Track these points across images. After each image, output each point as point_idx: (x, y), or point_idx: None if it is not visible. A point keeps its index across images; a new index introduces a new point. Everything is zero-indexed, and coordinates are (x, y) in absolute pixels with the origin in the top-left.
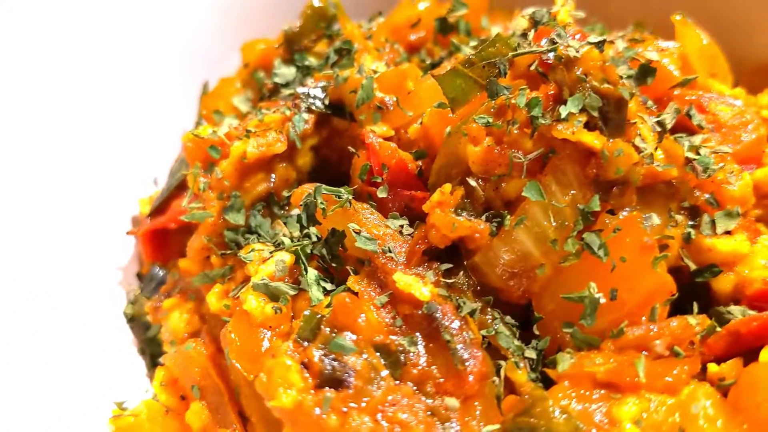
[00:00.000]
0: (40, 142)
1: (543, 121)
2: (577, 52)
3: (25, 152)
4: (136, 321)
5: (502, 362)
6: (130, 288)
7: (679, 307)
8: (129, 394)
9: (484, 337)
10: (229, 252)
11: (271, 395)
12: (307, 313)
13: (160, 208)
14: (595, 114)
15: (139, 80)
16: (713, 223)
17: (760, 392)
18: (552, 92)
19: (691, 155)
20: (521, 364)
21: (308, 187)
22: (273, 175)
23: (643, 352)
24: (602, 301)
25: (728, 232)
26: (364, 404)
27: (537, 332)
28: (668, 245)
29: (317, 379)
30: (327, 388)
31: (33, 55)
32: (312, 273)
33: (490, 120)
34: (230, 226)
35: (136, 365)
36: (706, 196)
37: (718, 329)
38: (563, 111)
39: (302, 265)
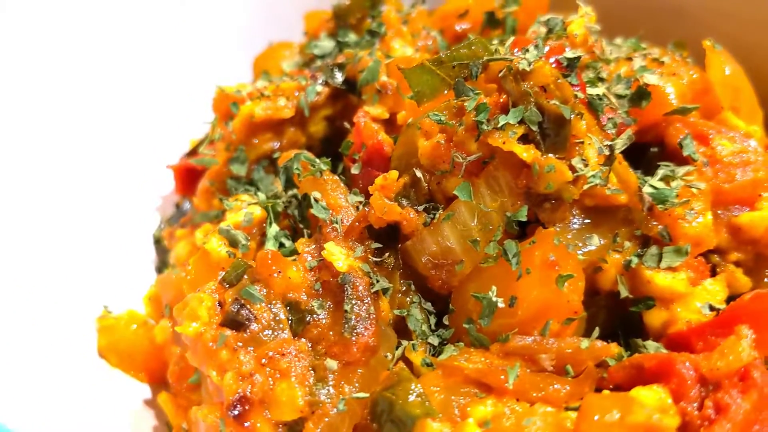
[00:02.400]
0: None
1: (485, 127)
2: (529, 65)
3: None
4: (160, 244)
5: (405, 342)
6: (164, 215)
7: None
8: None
9: (398, 316)
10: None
11: (180, 322)
12: (237, 259)
13: (195, 149)
14: (534, 128)
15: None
16: (660, 256)
17: (585, 421)
18: (502, 101)
19: (658, 185)
20: (420, 348)
21: (294, 152)
22: (282, 137)
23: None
24: (500, 305)
25: (673, 269)
26: (253, 347)
27: (446, 323)
28: (601, 268)
29: (222, 319)
30: (227, 328)
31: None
32: (274, 228)
33: (443, 118)
34: (233, 176)
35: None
36: (660, 228)
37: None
38: (502, 120)
39: (269, 220)
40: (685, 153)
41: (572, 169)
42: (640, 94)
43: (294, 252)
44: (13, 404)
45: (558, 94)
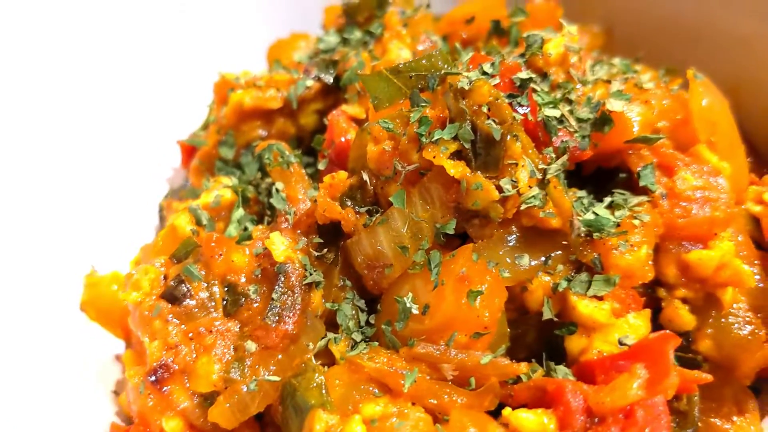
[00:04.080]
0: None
1: (424, 140)
2: (469, 84)
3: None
4: (163, 213)
5: (330, 334)
6: (172, 187)
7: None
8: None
9: (330, 309)
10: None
11: (124, 289)
12: (188, 238)
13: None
14: (467, 146)
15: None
16: (589, 283)
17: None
18: (442, 116)
19: (601, 212)
20: (342, 342)
21: (269, 142)
22: (271, 126)
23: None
24: (414, 311)
25: (599, 298)
26: (184, 321)
27: (371, 321)
28: (527, 288)
29: (162, 291)
30: (165, 300)
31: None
32: (239, 212)
33: (391, 126)
34: (221, 158)
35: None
36: (594, 256)
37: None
38: (436, 135)
39: (237, 204)
40: (641, 183)
41: (500, 189)
42: (603, 120)
43: (251, 237)
44: None
45: (498, 115)
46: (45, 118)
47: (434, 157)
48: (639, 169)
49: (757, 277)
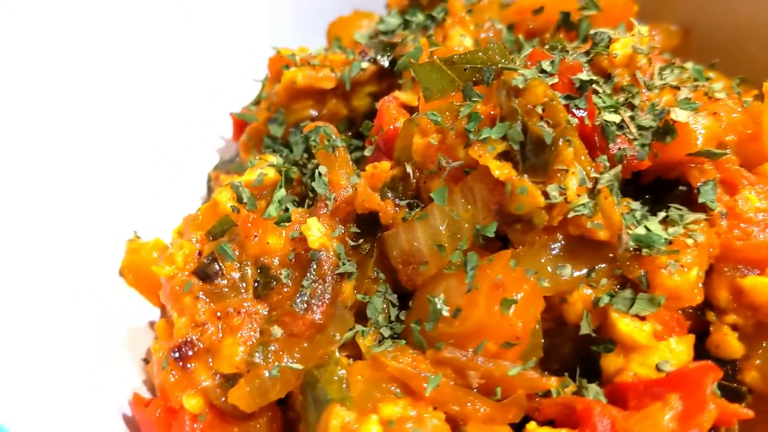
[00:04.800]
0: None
1: (472, 137)
2: (523, 82)
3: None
4: (210, 184)
5: (359, 327)
6: (223, 158)
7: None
8: None
9: (361, 301)
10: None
11: (157, 263)
12: (225, 216)
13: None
14: (516, 147)
15: None
16: (633, 301)
17: None
18: (494, 114)
19: (653, 228)
20: (369, 336)
21: (317, 124)
22: (323, 106)
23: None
24: (445, 313)
25: (641, 318)
26: (214, 300)
27: (402, 318)
28: (566, 299)
29: (194, 267)
30: (197, 277)
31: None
32: (281, 192)
33: (439, 119)
34: (270, 135)
35: None
36: (641, 273)
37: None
38: (485, 133)
39: (280, 184)
40: (701, 199)
41: (546, 195)
42: (666, 130)
43: (290, 219)
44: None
45: (553, 117)
46: (107, 85)
47: (480, 156)
48: (699, 184)
49: None
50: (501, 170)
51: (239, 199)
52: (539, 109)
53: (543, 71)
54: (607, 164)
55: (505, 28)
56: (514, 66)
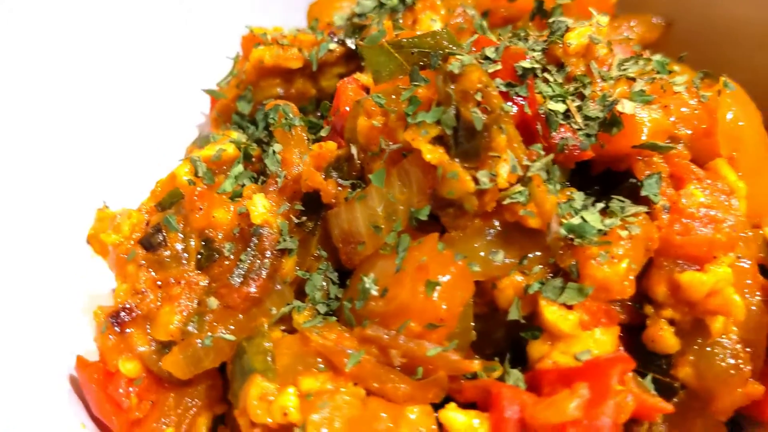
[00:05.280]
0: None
1: (410, 120)
2: (459, 68)
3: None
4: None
5: (298, 302)
6: (201, 134)
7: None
8: None
9: (301, 278)
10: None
11: (107, 232)
12: (176, 188)
13: None
14: (449, 132)
15: None
16: (562, 290)
17: (363, 421)
18: (435, 98)
19: (589, 218)
20: (305, 312)
21: (276, 102)
22: (290, 86)
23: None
24: (373, 293)
25: (569, 307)
26: (156, 269)
27: (338, 296)
28: (495, 285)
29: (140, 237)
30: (141, 246)
31: (35, 54)
32: (238, 168)
33: (383, 102)
34: (238, 112)
35: None
36: (573, 262)
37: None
38: (420, 117)
39: (239, 160)
40: (643, 192)
41: (476, 181)
42: (612, 121)
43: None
44: None
45: (487, 103)
46: (88, 59)
47: (413, 139)
48: (644, 177)
49: (754, 308)
50: (432, 154)
51: (197, 173)
52: (479, 96)
53: (486, 58)
54: (542, 153)
55: (477, 14)
56: (460, 52)
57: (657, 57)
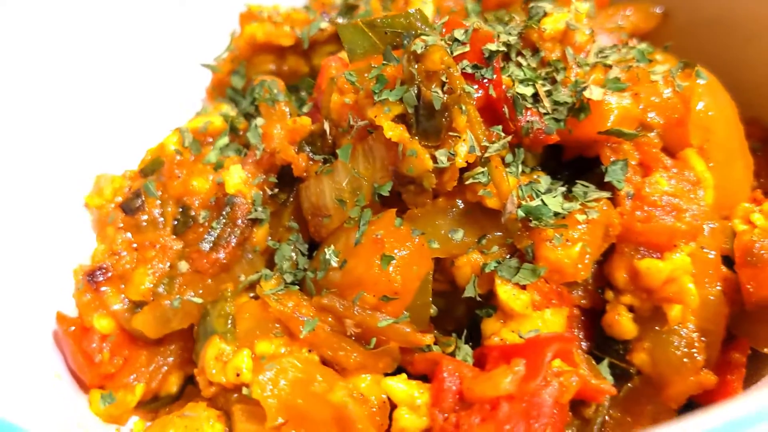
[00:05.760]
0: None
1: (376, 98)
2: (423, 48)
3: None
4: None
5: (267, 271)
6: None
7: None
8: None
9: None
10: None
11: (91, 195)
12: (157, 156)
13: None
14: (410, 110)
15: None
16: (517, 270)
17: (299, 385)
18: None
19: (548, 201)
20: (272, 280)
21: (263, 77)
22: (283, 63)
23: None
24: (333, 264)
25: (522, 287)
26: (133, 232)
27: (306, 267)
28: (453, 262)
29: (121, 201)
30: (121, 210)
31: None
32: (224, 140)
33: (354, 79)
34: (232, 86)
35: None
36: (529, 243)
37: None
38: (384, 95)
39: (225, 132)
40: (607, 178)
41: (435, 159)
42: (580, 108)
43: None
44: None
45: (450, 83)
46: (97, 33)
47: (376, 116)
48: (609, 163)
49: (713, 298)
50: (394, 131)
51: (184, 143)
52: (444, 77)
53: (456, 40)
54: (502, 134)
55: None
56: (430, 33)
57: (642, 46)
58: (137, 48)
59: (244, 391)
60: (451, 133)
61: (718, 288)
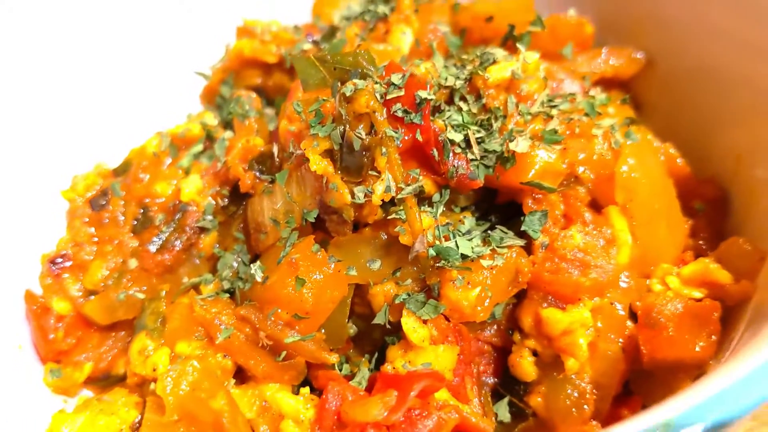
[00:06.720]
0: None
1: (310, 131)
2: (351, 91)
3: None
4: None
5: (209, 276)
6: None
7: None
8: None
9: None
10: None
11: (67, 189)
12: (129, 158)
13: None
14: (336, 147)
15: None
16: (423, 305)
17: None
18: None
19: (461, 243)
20: (210, 285)
21: (242, 93)
22: (269, 78)
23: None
24: (257, 279)
25: (423, 321)
26: (96, 227)
27: (243, 276)
28: (367, 289)
29: (90, 197)
30: (89, 206)
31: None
32: (198, 147)
33: (300, 109)
34: (221, 95)
35: None
36: (437, 281)
37: None
38: (315, 129)
39: (201, 139)
40: (522, 227)
41: (351, 194)
42: (506, 157)
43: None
44: None
45: (375, 125)
46: (108, 34)
47: (305, 149)
48: (528, 213)
49: (610, 353)
50: (318, 165)
51: (162, 146)
52: (381, 116)
53: (392, 84)
54: (420, 178)
55: (449, 32)
56: (373, 73)
57: (601, 96)
58: (143, 51)
59: (151, 386)
60: (371, 172)
61: (620, 343)
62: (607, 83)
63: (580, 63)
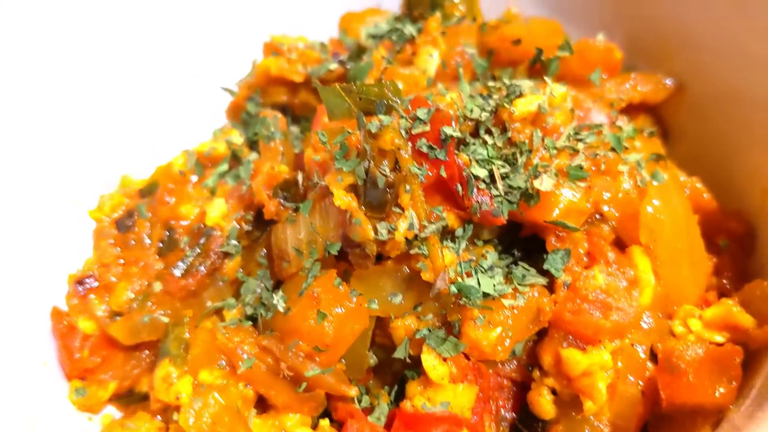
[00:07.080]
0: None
1: (335, 165)
2: (377, 128)
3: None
4: None
5: (233, 301)
6: None
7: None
8: None
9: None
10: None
11: (94, 209)
12: (154, 180)
13: None
14: (360, 183)
15: None
16: (443, 342)
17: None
18: (358, 148)
19: (483, 281)
20: (233, 311)
21: (267, 114)
22: (295, 96)
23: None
24: (280, 309)
25: (443, 358)
26: (122, 248)
27: (266, 302)
28: (388, 321)
29: (117, 218)
30: (115, 226)
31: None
32: (223, 167)
33: (325, 140)
34: (247, 111)
35: None
36: (458, 318)
37: None
38: (340, 164)
39: (227, 159)
40: (545, 266)
41: (376, 231)
42: (528, 196)
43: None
44: None
45: (399, 162)
46: (139, 51)
47: (330, 182)
48: (551, 251)
49: (630, 396)
50: (342, 200)
51: (188, 165)
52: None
53: (418, 118)
54: (443, 215)
55: (476, 54)
56: (397, 107)
57: (628, 128)
58: (170, 65)
59: (174, 416)
60: (395, 209)
61: (639, 386)
62: (635, 108)
63: (608, 89)
